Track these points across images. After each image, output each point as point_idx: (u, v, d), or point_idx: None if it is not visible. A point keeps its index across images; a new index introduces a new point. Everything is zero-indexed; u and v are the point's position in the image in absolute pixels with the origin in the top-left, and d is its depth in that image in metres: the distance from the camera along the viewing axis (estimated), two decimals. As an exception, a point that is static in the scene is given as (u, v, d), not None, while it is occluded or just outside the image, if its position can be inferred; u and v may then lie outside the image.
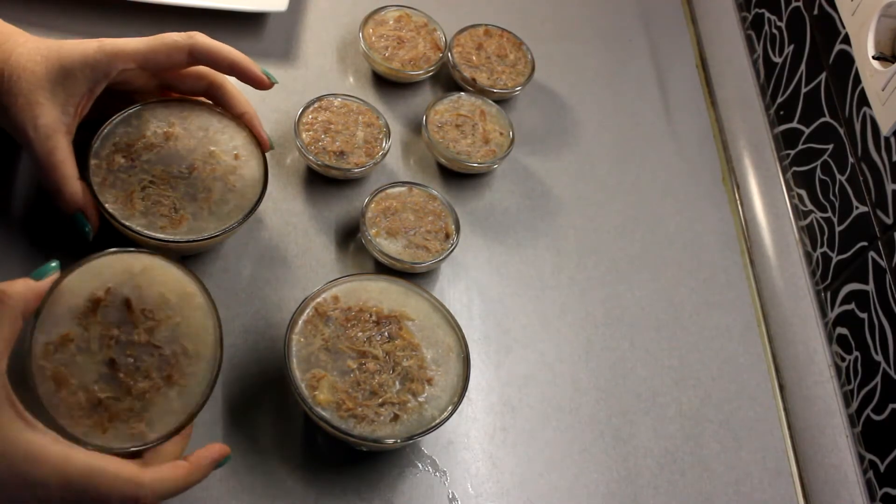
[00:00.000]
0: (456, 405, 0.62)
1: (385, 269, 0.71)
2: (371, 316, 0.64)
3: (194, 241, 0.64)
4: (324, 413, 0.59)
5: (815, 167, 0.79)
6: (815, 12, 0.81)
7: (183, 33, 0.65)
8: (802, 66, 0.83)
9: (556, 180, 0.83)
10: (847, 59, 0.75)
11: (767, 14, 0.91)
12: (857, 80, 0.73)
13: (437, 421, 0.61)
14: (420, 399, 0.61)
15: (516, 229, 0.79)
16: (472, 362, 0.67)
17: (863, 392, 0.69)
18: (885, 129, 0.68)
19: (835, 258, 0.75)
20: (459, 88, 0.85)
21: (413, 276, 0.72)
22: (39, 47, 0.60)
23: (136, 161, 0.66)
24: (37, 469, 0.47)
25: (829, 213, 0.76)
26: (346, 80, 0.85)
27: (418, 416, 0.61)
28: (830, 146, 0.77)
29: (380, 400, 0.61)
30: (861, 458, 0.69)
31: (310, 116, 0.76)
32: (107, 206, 0.63)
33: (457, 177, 0.80)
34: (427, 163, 0.81)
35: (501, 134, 0.80)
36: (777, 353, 0.78)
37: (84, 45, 0.61)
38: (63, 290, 0.54)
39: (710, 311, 0.78)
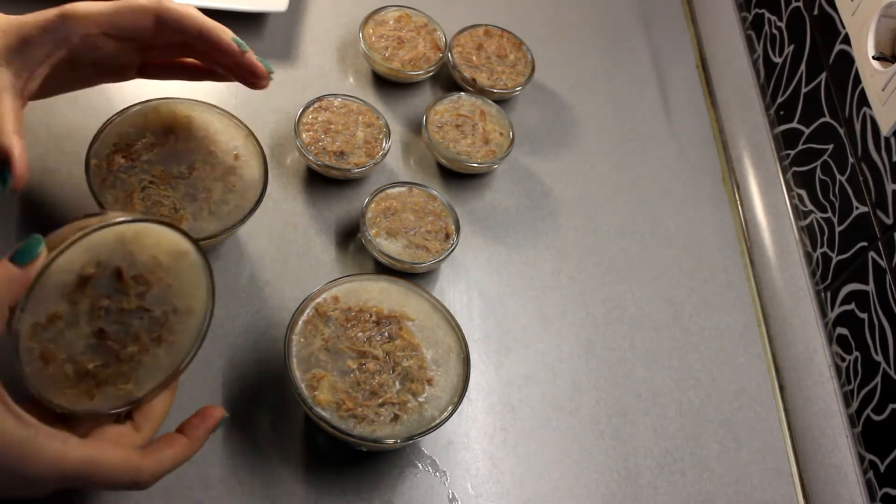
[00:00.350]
0: (456, 405, 0.62)
1: (385, 269, 0.71)
2: (371, 316, 0.64)
3: (194, 241, 0.64)
4: (324, 413, 0.59)
5: (815, 167, 0.79)
6: (815, 12, 0.81)
7: None
8: (802, 67, 0.83)
9: (556, 180, 0.83)
10: (847, 59, 0.75)
11: (767, 14, 0.91)
12: (857, 80, 0.73)
13: (437, 421, 0.61)
14: (420, 399, 0.61)
15: (516, 229, 0.79)
16: (472, 362, 0.67)
17: (863, 392, 0.69)
18: (885, 129, 0.68)
19: (835, 258, 0.75)
20: (459, 88, 0.85)
21: (413, 276, 0.72)
22: (1, 22, 0.58)
23: (136, 161, 0.66)
24: (32, 467, 0.46)
25: (829, 214, 0.76)
26: (346, 80, 0.85)
27: (418, 417, 0.61)
28: (830, 146, 0.77)
29: (380, 400, 0.61)
30: (861, 458, 0.69)
31: (310, 116, 0.76)
32: (106, 206, 0.63)
33: (457, 177, 0.80)
34: (427, 163, 0.81)
35: (501, 134, 0.80)
36: (777, 354, 0.78)
37: (44, 13, 0.58)
38: (53, 271, 0.51)
39: (710, 311, 0.78)
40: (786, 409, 0.75)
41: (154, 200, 0.65)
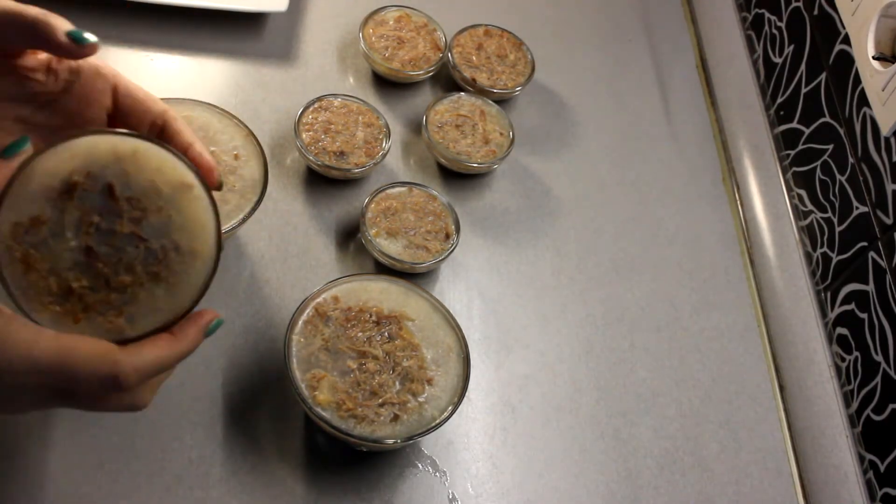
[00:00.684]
0: (456, 405, 0.62)
1: (385, 269, 0.71)
2: (371, 316, 0.64)
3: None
4: (324, 413, 0.59)
5: (815, 167, 0.79)
6: (815, 12, 0.81)
7: None
8: (802, 67, 0.83)
9: (556, 180, 0.83)
10: (847, 59, 0.75)
11: (767, 14, 0.91)
12: (857, 80, 0.73)
13: (437, 421, 0.61)
14: (420, 399, 0.61)
15: (516, 229, 0.79)
16: (472, 362, 0.67)
17: (863, 392, 0.69)
18: (885, 129, 0.68)
19: (835, 258, 0.75)
20: (459, 88, 0.85)
21: (413, 276, 0.72)
22: None
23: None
24: (1, 352, 0.44)
25: (829, 214, 0.76)
26: (346, 80, 0.85)
27: (418, 417, 0.61)
28: (830, 146, 0.77)
29: (380, 400, 0.61)
30: (861, 458, 0.69)
31: (310, 116, 0.76)
32: None
33: (457, 177, 0.80)
34: (427, 163, 0.81)
35: (501, 134, 0.80)
36: (777, 354, 0.78)
37: None
38: (36, 169, 0.48)
39: (710, 311, 0.78)
40: (786, 409, 0.75)
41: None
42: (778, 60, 0.88)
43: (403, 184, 0.75)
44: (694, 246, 0.82)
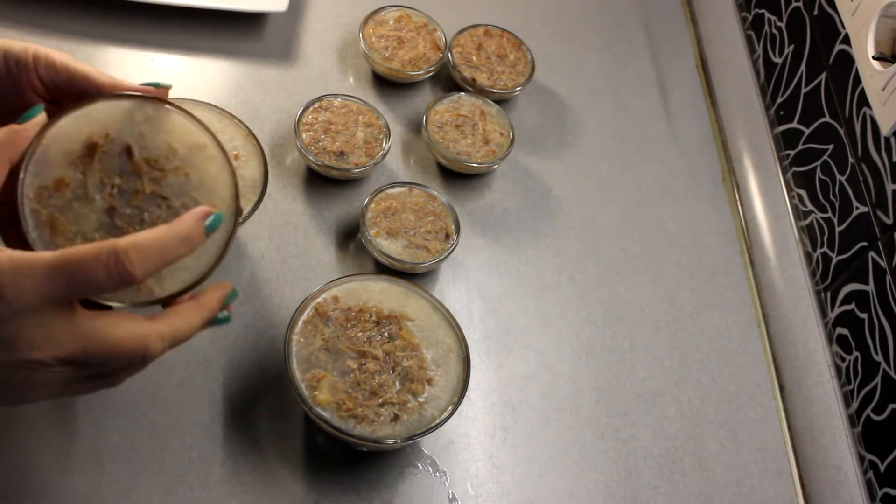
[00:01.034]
0: (456, 405, 0.62)
1: (385, 269, 0.71)
2: (371, 316, 0.64)
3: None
4: (324, 413, 0.59)
5: (815, 167, 0.79)
6: (815, 12, 0.81)
7: None
8: (802, 67, 0.83)
9: (556, 180, 0.83)
10: (847, 59, 0.75)
11: (767, 14, 0.91)
12: (857, 80, 0.73)
13: (437, 421, 0.61)
14: (420, 399, 0.61)
15: (516, 229, 0.79)
16: (472, 362, 0.67)
17: (863, 392, 0.69)
18: (885, 130, 0.68)
19: (835, 258, 0.75)
20: (459, 88, 0.85)
21: (413, 276, 0.72)
22: None
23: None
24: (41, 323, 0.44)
25: (829, 214, 0.76)
26: (346, 80, 0.85)
27: (418, 417, 0.61)
28: (830, 146, 0.77)
29: (380, 400, 0.61)
30: (861, 459, 0.69)
31: (310, 117, 0.76)
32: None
33: (457, 177, 0.80)
34: (427, 163, 0.81)
35: (501, 134, 0.80)
36: (777, 354, 0.78)
37: None
38: (56, 134, 0.50)
39: (710, 311, 0.78)
40: (786, 409, 0.75)
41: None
42: (778, 60, 0.88)
43: (403, 184, 0.75)
44: (694, 246, 0.82)
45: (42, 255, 0.44)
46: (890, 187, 0.68)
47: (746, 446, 0.71)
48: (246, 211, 0.67)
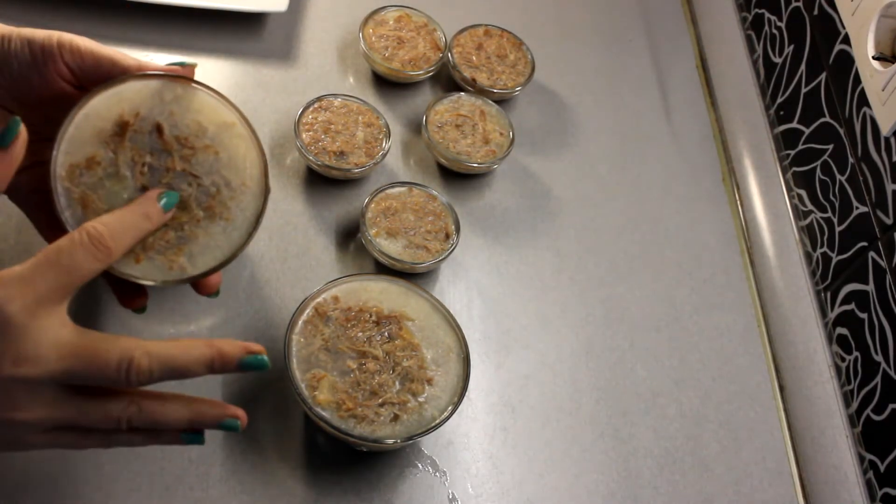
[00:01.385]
0: (456, 405, 0.62)
1: (385, 269, 0.71)
2: (371, 316, 0.64)
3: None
4: (324, 413, 0.59)
5: (815, 167, 0.79)
6: (815, 12, 0.81)
7: None
8: (802, 67, 0.83)
9: (556, 180, 0.83)
10: (847, 59, 0.75)
11: (767, 14, 0.91)
12: (857, 80, 0.73)
13: (437, 421, 0.61)
14: (420, 399, 0.61)
15: (516, 229, 0.79)
16: (472, 362, 0.67)
17: (863, 392, 0.69)
18: (885, 129, 0.68)
19: (835, 258, 0.75)
20: (459, 88, 0.85)
21: (413, 276, 0.72)
22: None
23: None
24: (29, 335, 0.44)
25: (829, 214, 0.76)
26: (346, 80, 0.85)
27: (418, 417, 0.61)
28: (830, 146, 0.77)
29: (380, 400, 0.61)
30: (861, 459, 0.69)
31: (310, 116, 0.76)
32: None
33: (457, 177, 0.80)
34: (427, 163, 0.81)
35: (501, 134, 0.80)
36: (777, 354, 0.78)
37: None
38: (88, 112, 0.51)
39: (710, 311, 0.78)
40: (786, 409, 0.75)
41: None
42: (778, 60, 0.88)
43: (403, 184, 0.75)
44: (694, 246, 0.82)
45: (23, 263, 0.45)
46: (890, 187, 0.68)
47: (746, 446, 0.71)
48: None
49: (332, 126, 0.76)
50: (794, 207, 0.83)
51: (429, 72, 0.84)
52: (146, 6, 0.81)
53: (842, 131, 0.75)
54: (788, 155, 0.85)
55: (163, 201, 0.51)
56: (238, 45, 0.84)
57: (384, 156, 0.76)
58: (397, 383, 0.62)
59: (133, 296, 0.56)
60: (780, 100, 0.87)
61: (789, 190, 0.84)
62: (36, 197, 0.55)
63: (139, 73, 0.52)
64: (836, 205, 0.75)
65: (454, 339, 0.65)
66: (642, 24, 0.99)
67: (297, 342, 0.62)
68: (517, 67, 0.86)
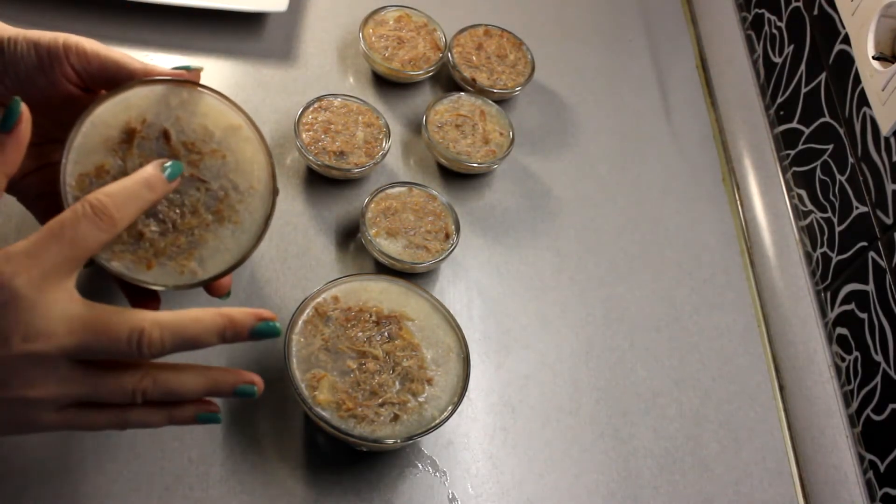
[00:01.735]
0: (456, 405, 0.62)
1: (385, 269, 0.71)
2: (371, 316, 0.64)
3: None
4: (324, 413, 0.59)
5: (815, 167, 0.79)
6: (815, 12, 0.81)
7: None
8: (802, 66, 0.83)
9: (556, 180, 0.83)
10: (847, 59, 0.75)
11: (767, 14, 0.91)
12: (857, 80, 0.73)
13: (437, 421, 0.61)
14: (420, 399, 0.61)
15: (516, 229, 0.79)
16: (472, 362, 0.67)
17: (863, 392, 0.69)
18: (885, 129, 0.68)
19: (835, 258, 0.75)
20: (459, 88, 0.85)
21: (413, 276, 0.72)
22: None
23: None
24: (38, 307, 0.44)
25: (829, 214, 0.76)
26: (346, 80, 0.85)
27: (418, 417, 0.61)
28: (830, 146, 0.77)
29: (380, 400, 0.61)
30: (861, 458, 0.69)
31: (310, 116, 0.76)
32: None
33: (457, 177, 0.80)
34: (427, 163, 0.81)
35: (501, 134, 0.80)
36: (777, 354, 0.78)
37: None
38: (95, 121, 0.51)
39: (710, 311, 0.78)
40: (786, 409, 0.75)
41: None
42: (778, 60, 0.88)
43: (403, 184, 0.75)
44: (694, 246, 0.82)
45: (27, 238, 0.44)
46: (890, 187, 0.68)
47: (746, 446, 0.71)
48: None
49: (332, 126, 0.76)
50: (794, 207, 0.83)
51: (429, 72, 0.84)
52: (146, 6, 0.81)
53: (842, 131, 0.75)
54: (788, 155, 0.85)
55: (167, 171, 0.51)
56: (238, 45, 0.84)
57: (384, 156, 0.76)
58: (397, 383, 0.62)
59: (146, 301, 0.56)
60: (780, 100, 0.87)
61: (789, 190, 0.84)
62: (44, 201, 0.55)
63: (145, 80, 0.53)
64: (836, 205, 0.75)
65: (454, 339, 0.65)
66: (642, 24, 0.99)
67: (297, 342, 0.62)
68: (517, 67, 0.86)
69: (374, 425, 0.60)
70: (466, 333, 0.66)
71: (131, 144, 0.52)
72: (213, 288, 0.58)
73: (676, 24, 1.01)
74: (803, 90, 0.83)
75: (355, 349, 0.62)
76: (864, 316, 0.70)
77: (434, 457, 0.65)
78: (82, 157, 0.51)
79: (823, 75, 0.79)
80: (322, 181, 0.77)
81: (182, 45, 0.82)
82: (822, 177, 0.78)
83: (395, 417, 0.60)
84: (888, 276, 0.67)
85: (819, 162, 0.79)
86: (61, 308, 0.45)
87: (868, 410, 0.68)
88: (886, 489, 0.65)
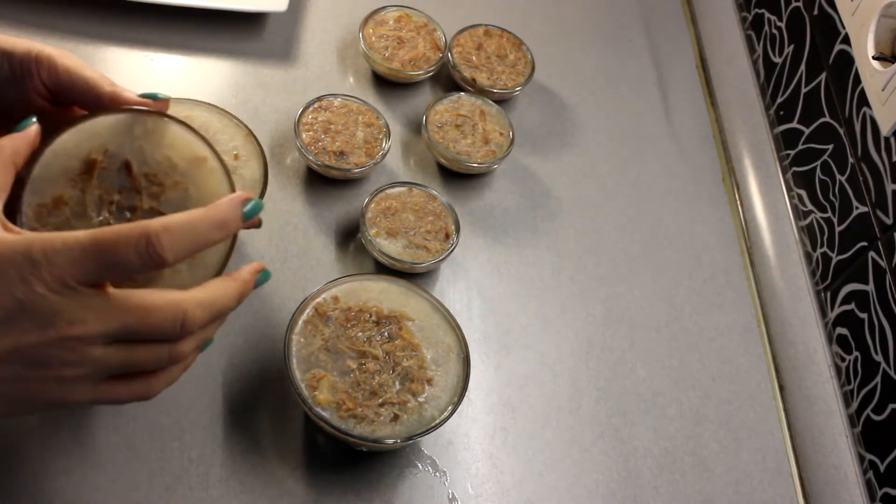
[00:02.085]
0: (456, 405, 0.62)
1: (385, 269, 0.71)
2: (371, 316, 0.64)
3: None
4: (324, 413, 0.59)
5: (815, 167, 0.79)
6: (815, 12, 0.81)
7: None
8: (802, 67, 0.83)
9: (556, 180, 0.83)
10: (847, 59, 0.75)
11: (767, 14, 0.91)
12: (857, 80, 0.73)
13: (437, 421, 0.61)
14: (420, 399, 0.61)
15: (516, 229, 0.79)
16: (472, 362, 0.67)
17: (863, 392, 0.69)
18: (885, 129, 0.68)
19: (835, 258, 0.75)
20: (459, 88, 0.85)
21: (413, 276, 0.72)
22: None
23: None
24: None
25: (829, 214, 0.76)
26: (346, 80, 0.85)
27: (418, 417, 0.61)
28: (830, 146, 0.77)
29: (380, 400, 0.61)
30: (861, 459, 0.69)
31: (310, 116, 0.76)
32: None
33: (457, 177, 0.80)
34: (427, 163, 0.81)
35: (501, 134, 0.80)
36: (777, 354, 0.78)
37: None
38: (56, 151, 0.49)
39: (710, 311, 0.78)
40: (786, 409, 0.75)
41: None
42: (778, 60, 0.88)
43: (403, 184, 0.75)
44: (694, 246, 0.82)
45: (75, 235, 0.43)
46: (890, 187, 0.68)
47: (746, 446, 0.71)
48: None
49: (332, 126, 0.76)
50: (794, 207, 0.83)
51: (429, 72, 0.84)
52: (146, 6, 0.81)
53: (842, 131, 0.75)
54: (788, 155, 0.85)
55: (248, 207, 0.49)
56: (238, 45, 0.84)
57: (384, 156, 0.76)
58: (397, 383, 0.62)
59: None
60: (780, 100, 0.87)
61: (789, 190, 0.84)
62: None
63: (109, 109, 0.51)
64: (836, 205, 0.75)
65: (454, 339, 0.65)
66: (642, 24, 0.99)
67: (297, 342, 0.62)
68: (517, 67, 0.86)
69: (374, 425, 0.60)
70: (466, 333, 0.66)
71: (92, 175, 0.50)
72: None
73: (676, 24, 1.01)
74: (803, 90, 0.83)
75: (355, 349, 0.62)
76: (864, 316, 0.70)
77: (434, 457, 0.65)
78: (41, 187, 0.49)
79: (823, 75, 0.79)
80: (322, 181, 0.77)
81: (182, 45, 0.82)
82: (822, 177, 0.78)
83: (395, 417, 0.60)
84: (888, 276, 0.67)
85: (819, 162, 0.79)
86: (102, 297, 0.44)
87: (868, 410, 0.68)
88: (886, 489, 0.65)
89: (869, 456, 0.68)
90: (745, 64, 0.93)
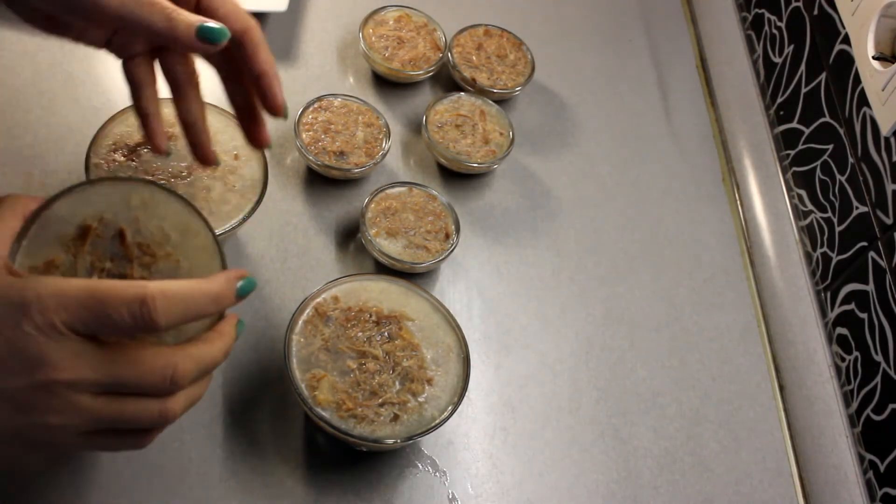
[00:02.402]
0: (456, 405, 0.62)
1: (385, 269, 0.71)
2: (371, 316, 0.64)
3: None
4: (324, 413, 0.59)
5: (815, 167, 0.79)
6: (815, 12, 0.81)
7: None
8: (802, 67, 0.83)
9: (556, 180, 0.83)
10: (847, 59, 0.75)
11: (767, 14, 0.91)
12: (857, 80, 0.73)
13: (437, 421, 0.61)
14: (420, 399, 0.61)
15: (516, 229, 0.79)
16: (472, 362, 0.67)
17: (863, 392, 0.69)
18: (885, 129, 0.68)
19: (835, 258, 0.75)
20: (459, 88, 0.85)
21: (413, 276, 0.72)
22: None
23: (136, 160, 0.66)
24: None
25: (829, 214, 0.76)
26: (346, 80, 0.85)
27: (418, 417, 0.61)
28: (830, 146, 0.77)
29: (380, 400, 0.61)
30: (861, 459, 0.69)
31: (310, 116, 0.76)
32: None
33: (457, 177, 0.80)
34: (427, 163, 0.81)
35: (501, 134, 0.80)
36: (777, 354, 0.78)
37: None
38: (51, 215, 0.50)
39: (710, 311, 0.78)
40: (786, 409, 0.75)
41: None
42: (778, 60, 0.88)
43: (403, 184, 0.75)
44: (694, 246, 0.82)
45: (71, 282, 0.44)
46: (890, 187, 0.68)
47: (746, 446, 0.71)
48: (245, 211, 0.67)
49: (332, 126, 0.76)
50: (794, 207, 0.83)
51: (429, 72, 0.84)
52: (146, 6, 0.80)
53: (842, 131, 0.75)
54: (788, 155, 0.85)
55: (241, 284, 0.50)
56: (238, 45, 0.84)
57: (384, 156, 0.76)
58: (397, 383, 0.62)
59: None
60: (780, 100, 0.87)
61: (789, 190, 0.84)
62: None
63: (109, 177, 0.52)
64: (836, 205, 0.75)
65: (454, 339, 0.65)
66: (642, 24, 0.99)
67: (297, 342, 0.62)
68: (517, 67, 0.86)
69: (374, 425, 0.60)
70: (466, 333, 0.66)
71: (85, 242, 0.50)
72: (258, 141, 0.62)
73: (676, 24, 1.01)
74: (803, 90, 0.83)
75: (355, 349, 0.62)
76: (864, 316, 0.70)
77: (434, 457, 0.65)
78: (34, 250, 0.49)
79: (823, 75, 0.79)
80: (322, 181, 0.77)
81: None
82: (822, 177, 0.78)
83: (395, 417, 0.60)
84: (888, 276, 0.67)
85: (819, 162, 0.79)
86: (91, 346, 0.44)
87: (868, 410, 0.68)
88: (886, 489, 0.65)
89: (869, 456, 0.68)
90: (745, 64, 0.93)
